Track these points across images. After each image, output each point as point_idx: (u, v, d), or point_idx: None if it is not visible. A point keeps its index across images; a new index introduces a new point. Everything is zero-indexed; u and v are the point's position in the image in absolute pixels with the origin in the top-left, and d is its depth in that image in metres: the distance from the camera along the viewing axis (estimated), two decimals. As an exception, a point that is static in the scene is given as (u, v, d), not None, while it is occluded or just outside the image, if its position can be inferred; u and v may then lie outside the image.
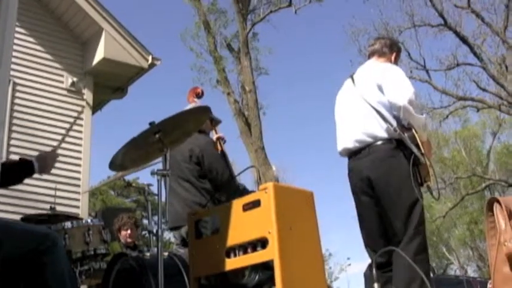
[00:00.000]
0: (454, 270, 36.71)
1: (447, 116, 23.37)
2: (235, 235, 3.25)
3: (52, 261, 3.06)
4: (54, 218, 4.84)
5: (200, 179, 4.68)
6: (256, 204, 3.17)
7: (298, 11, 19.70)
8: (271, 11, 18.99)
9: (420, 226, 4.09)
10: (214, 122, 5.12)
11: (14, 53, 7.82)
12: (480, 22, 20.85)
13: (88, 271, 4.71)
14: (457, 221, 34.22)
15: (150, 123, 3.28)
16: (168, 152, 3.43)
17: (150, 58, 9.82)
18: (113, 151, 3.35)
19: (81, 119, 9.36)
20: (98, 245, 4.56)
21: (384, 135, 4.17)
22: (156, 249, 3.52)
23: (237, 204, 3.29)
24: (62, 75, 9.43)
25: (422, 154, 4.13)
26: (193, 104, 5.02)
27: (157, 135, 3.32)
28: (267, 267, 3.09)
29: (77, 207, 8.71)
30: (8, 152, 8.24)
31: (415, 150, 4.11)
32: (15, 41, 7.71)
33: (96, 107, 10.16)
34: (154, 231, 3.45)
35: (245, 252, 3.19)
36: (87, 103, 9.50)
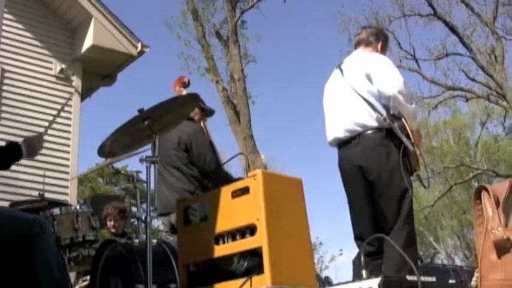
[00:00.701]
0: (441, 259, 36.91)
1: (436, 106, 23.42)
2: (224, 222, 3.26)
3: (40, 247, 3.06)
4: (43, 204, 4.82)
5: (189, 166, 4.68)
6: (245, 191, 3.17)
7: (287, -1, 19.70)
8: (260, -1, 18.90)
9: (410, 215, 4.12)
10: (205, 113, 5.11)
11: (2, 40, 7.75)
12: (470, 12, 20.95)
13: (77, 258, 4.71)
14: (445, 211, 34.38)
15: (139, 110, 3.27)
16: (156, 139, 3.42)
17: (139, 45, 9.78)
18: (101, 138, 3.35)
19: (70, 105, 9.30)
20: (86, 231, 4.55)
21: (374, 124, 4.18)
22: (144, 236, 3.53)
23: (226, 191, 3.29)
24: (50, 62, 9.37)
25: (412, 144, 4.15)
26: (180, 94, 5.01)
27: (146, 122, 3.32)
28: (255, 254, 3.10)
29: (66, 194, 8.68)
30: (-4, 138, 8.22)
31: (404, 139, 4.12)
32: (3, 27, 7.65)
33: (85, 94, 10.11)
34: (143, 218, 3.45)
35: (234, 239, 3.20)
36: (76, 90, 9.45)
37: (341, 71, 4.49)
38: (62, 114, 9.11)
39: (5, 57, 8.73)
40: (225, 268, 3.28)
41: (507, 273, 2.29)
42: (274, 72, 53.59)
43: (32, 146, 3.45)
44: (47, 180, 7.13)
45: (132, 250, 3.90)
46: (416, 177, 4.43)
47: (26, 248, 3.01)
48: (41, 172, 7.03)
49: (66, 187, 8.80)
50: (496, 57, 20.25)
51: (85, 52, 9.42)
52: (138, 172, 4.68)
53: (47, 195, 5.45)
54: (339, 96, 4.45)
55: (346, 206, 4.41)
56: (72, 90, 9.42)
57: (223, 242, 3.25)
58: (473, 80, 21.71)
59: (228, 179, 4.52)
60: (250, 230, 3.10)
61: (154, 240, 4.14)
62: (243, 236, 3.15)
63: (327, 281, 7.90)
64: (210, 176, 4.66)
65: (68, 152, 9.06)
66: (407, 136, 4.16)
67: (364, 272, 3.20)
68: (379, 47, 4.63)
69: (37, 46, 9.33)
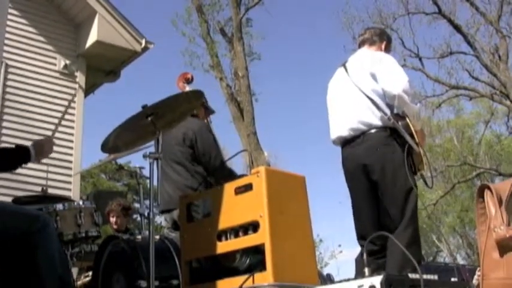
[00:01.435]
0: (443, 257, 36.90)
1: (440, 105, 23.37)
2: (227, 218, 3.26)
3: (43, 243, 3.06)
4: (46, 199, 4.83)
5: (193, 162, 4.68)
6: (248, 187, 3.18)
7: (292, -4, 19.64)
8: (265, -4, 18.82)
9: (415, 214, 4.11)
10: (208, 112, 5.13)
11: (7, 35, 7.75)
12: (474, 11, 20.85)
13: (79, 253, 4.72)
14: (447, 209, 34.33)
15: (143, 106, 3.28)
16: (160, 135, 3.43)
17: (143, 41, 9.78)
18: (105, 134, 3.36)
19: (74, 101, 9.32)
20: (89, 227, 4.54)
21: (378, 123, 4.18)
22: (147, 232, 3.53)
23: (229, 187, 3.30)
24: (54, 58, 9.37)
25: (416, 143, 4.15)
26: (183, 89, 5.01)
27: (149, 118, 3.32)
28: (258, 250, 3.10)
29: (69, 189, 8.69)
30: (0, 134, 8.23)
31: (408, 139, 4.12)
32: (8, 22, 7.66)
33: (88, 89, 10.13)
34: (146, 214, 3.45)
35: (236, 235, 3.20)
36: (80, 86, 9.46)
37: (346, 69, 4.48)
38: (66, 110, 9.13)
39: (10, 52, 8.73)
40: (228, 265, 3.29)
41: (509, 272, 2.28)
42: (278, 70, 53.56)
43: (41, 150, 3.46)
44: (50, 175, 7.14)
45: (135, 246, 3.90)
46: (420, 177, 4.42)
47: (29, 243, 3.01)
48: (44, 167, 7.03)
49: (69, 183, 8.81)
50: (500, 56, 20.19)
51: (89, 48, 9.42)
52: (141, 168, 4.68)
53: (50, 190, 5.47)
54: (343, 94, 4.44)
55: (347, 202, 4.42)
56: (76, 86, 9.43)
57: (226, 239, 3.25)
58: (477, 79, 21.65)
59: (232, 176, 4.53)
60: (253, 226, 3.11)
61: (157, 237, 4.14)
62: (245, 233, 3.16)
63: (329, 278, 7.88)
64: (215, 173, 4.66)
65: (72, 148, 9.07)
66: (411, 136, 4.16)
67: (366, 270, 3.20)
68: (383, 46, 4.63)
69: (41, 42, 9.33)
